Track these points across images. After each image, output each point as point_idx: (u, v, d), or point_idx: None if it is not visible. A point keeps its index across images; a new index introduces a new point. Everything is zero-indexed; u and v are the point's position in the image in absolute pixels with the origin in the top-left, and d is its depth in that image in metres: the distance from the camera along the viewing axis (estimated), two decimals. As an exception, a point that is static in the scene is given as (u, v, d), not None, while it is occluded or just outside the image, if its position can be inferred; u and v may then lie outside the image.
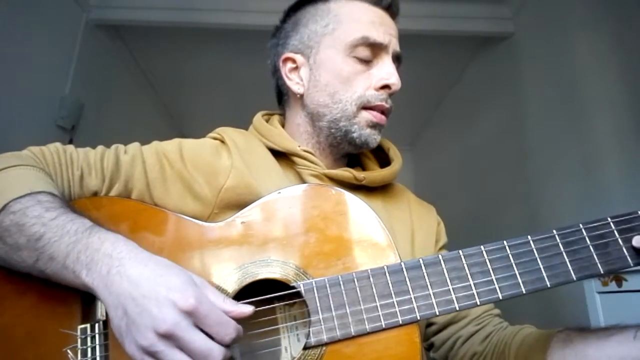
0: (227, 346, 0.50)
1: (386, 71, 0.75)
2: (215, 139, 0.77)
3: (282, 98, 0.86)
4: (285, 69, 0.80)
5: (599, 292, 1.43)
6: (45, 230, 0.55)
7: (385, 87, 0.75)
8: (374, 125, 0.76)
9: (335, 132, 0.76)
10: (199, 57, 2.37)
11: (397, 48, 0.79)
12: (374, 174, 0.78)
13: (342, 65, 0.75)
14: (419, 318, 0.56)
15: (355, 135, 0.75)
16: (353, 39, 0.74)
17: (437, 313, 0.56)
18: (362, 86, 0.75)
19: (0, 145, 0.68)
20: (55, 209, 0.57)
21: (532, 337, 0.68)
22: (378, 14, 0.77)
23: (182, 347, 0.48)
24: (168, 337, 0.48)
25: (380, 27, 0.76)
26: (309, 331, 0.56)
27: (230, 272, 0.60)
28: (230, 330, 0.50)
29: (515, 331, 0.72)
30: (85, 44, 1.88)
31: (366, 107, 0.75)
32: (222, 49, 2.30)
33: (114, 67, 2.22)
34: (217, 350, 0.48)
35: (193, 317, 0.49)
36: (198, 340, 0.48)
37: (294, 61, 0.80)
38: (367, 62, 0.76)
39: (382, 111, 0.77)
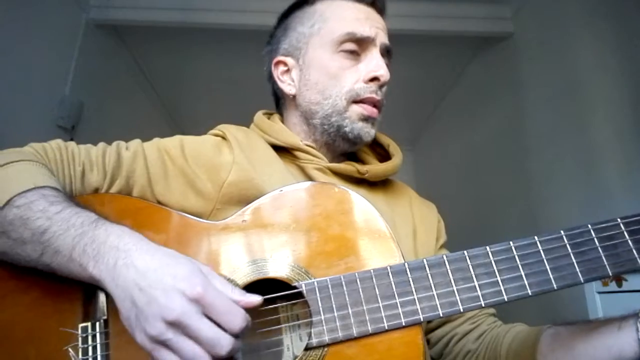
0: (236, 336, 0.50)
1: (374, 63, 0.76)
2: (216, 135, 0.77)
3: (279, 102, 0.88)
4: (277, 72, 0.82)
5: (599, 292, 1.43)
6: (50, 223, 0.55)
7: (375, 79, 0.76)
8: (366, 119, 0.77)
9: (328, 128, 0.77)
10: (199, 57, 2.37)
11: (386, 41, 0.80)
12: (377, 167, 0.79)
13: (330, 61, 0.76)
14: (422, 319, 0.55)
15: (347, 129, 0.76)
16: (339, 35, 0.76)
17: (441, 314, 0.55)
18: (350, 80, 0.76)
19: (1, 145, 0.68)
20: (59, 202, 0.57)
21: (523, 334, 0.69)
22: (363, 10, 0.79)
23: (190, 335, 0.48)
24: (177, 326, 0.48)
25: (365, 21, 0.77)
26: (311, 332, 0.55)
27: (233, 271, 0.60)
28: (238, 319, 0.50)
29: (506, 329, 0.72)
30: (85, 44, 1.88)
31: (357, 101, 0.76)
32: (222, 49, 2.30)
33: (114, 67, 2.21)
34: (226, 339, 0.48)
35: (201, 305, 0.49)
36: (206, 329, 0.48)
37: (285, 64, 0.81)
38: (355, 57, 0.77)
39: (374, 105, 0.77)
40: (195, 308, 0.48)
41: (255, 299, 0.53)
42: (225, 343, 0.48)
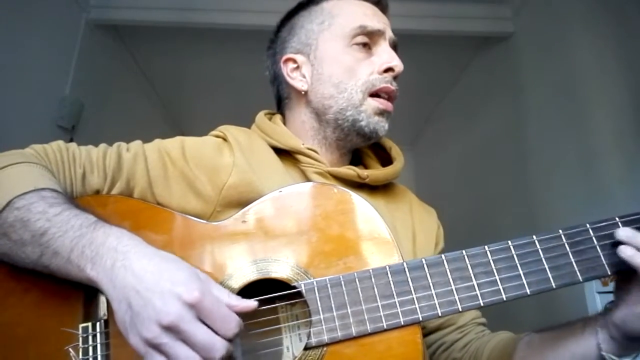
0: (229, 340, 0.50)
1: (387, 55, 0.77)
2: (217, 136, 0.77)
3: (281, 104, 0.87)
4: (287, 69, 0.81)
5: (599, 292, 1.43)
6: (49, 225, 0.55)
7: (389, 70, 0.77)
8: (382, 113, 0.77)
9: (342, 122, 0.77)
10: (199, 57, 2.37)
11: (393, 36, 0.81)
12: (377, 172, 0.79)
13: (344, 55, 0.77)
14: (421, 319, 0.55)
15: (363, 123, 0.75)
16: (351, 28, 0.77)
17: (440, 314, 0.56)
18: (365, 72, 0.76)
19: (1, 145, 0.68)
20: (59, 204, 0.57)
21: (502, 343, 0.70)
22: (370, 7, 0.81)
23: (185, 339, 0.48)
24: (171, 330, 0.48)
25: (374, 17, 0.79)
26: (310, 331, 0.56)
27: (233, 271, 0.60)
28: (233, 324, 0.50)
29: (489, 338, 0.73)
30: (85, 44, 1.88)
31: (372, 94, 0.76)
32: (222, 49, 2.30)
33: (114, 67, 2.21)
34: (220, 344, 0.49)
35: (196, 310, 0.49)
36: (201, 333, 0.48)
37: (294, 61, 0.81)
38: (367, 50, 0.78)
39: (389, 96, 0.78)
40: (191, 313, 0.49)
41: (251, 303, 0.53)
42: (219, 348, 0.49)
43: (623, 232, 0.56)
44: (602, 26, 1.55)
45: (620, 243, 0.56)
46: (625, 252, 0.55)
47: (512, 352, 0.67)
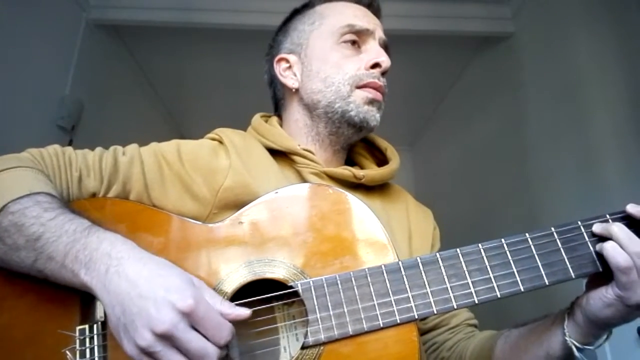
0: (222, 347, 0.50)
1: (375, 51, 0.79)
2: (213, 139, 0.77)
3: (278, 106, 0.89)
4: (279, 69, 0.83)
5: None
6: (43, 230, 0.55)
7: (376, 65, 0.78)
8: (371, 102, 0.77)
9: (332, 115, 0.77)
10: (199, 57, 2.37)
11: (384, 37, 0.82)
12: (373, 172, 0.79)
13: (332, 51, 0.78)
14: (416, 317, 0.56)
15: (353, 113, 0.76)
16: (339, 27, 0.79)
17: (435, 312, 0.56)
18: (353, 68, 0.77)
19: (0, 145, 0.68)
20: (53, 209, 0.57)
21: (485, 339, 0.72)
22: (360, 9, 0.83)
23: (178, 347, 0.49)
24: (165, 338, 0.48)
25: (363, 17, 0.81)
26: (307, 331, 0.56)
27: (230, 272, 0.60)
28: (225, 332, 0.51)
29: (475, 337, 0.75)
30: (85, 44, 1.88)
31: (360, 86, 0.77)
32: (222, 49, 2.30)
33: (114, 67, 2.21)
34: (213, 352, 0.49)
35: (190, 318, 0.49)
36: (195, 342, 0.49)
37: (287, 61, 0.83)
38: (355, 48, 0.79)
39: (377, 91, 0.78)
40: (184, 321, 0.49)
41: (244, 311, 0.54)
42: (212, 356, 0.49)
43: (597, 227, 0.58)
44: (602, 26, 1.55)
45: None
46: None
47: (493, 347, 0.68)
